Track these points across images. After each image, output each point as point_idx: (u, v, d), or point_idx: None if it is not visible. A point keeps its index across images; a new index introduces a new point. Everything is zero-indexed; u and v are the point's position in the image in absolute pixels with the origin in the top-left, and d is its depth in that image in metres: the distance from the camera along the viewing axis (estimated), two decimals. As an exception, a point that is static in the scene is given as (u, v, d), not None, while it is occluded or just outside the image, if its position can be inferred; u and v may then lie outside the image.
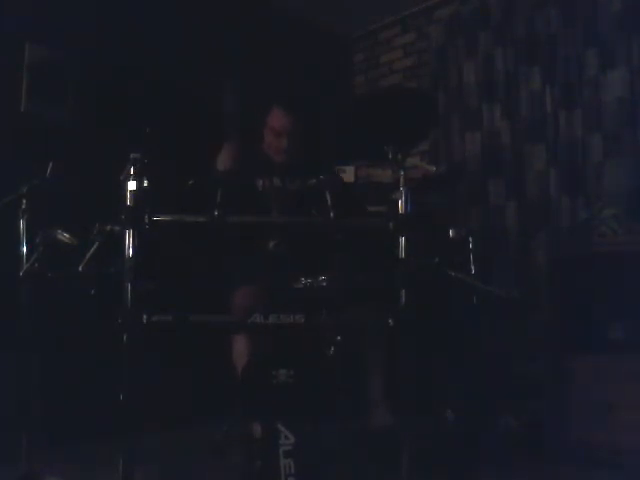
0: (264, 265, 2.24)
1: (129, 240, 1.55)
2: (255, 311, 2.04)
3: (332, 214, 1.73)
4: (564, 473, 2.27)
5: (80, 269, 1.86)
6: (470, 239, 2.62)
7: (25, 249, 2.10)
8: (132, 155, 1.57)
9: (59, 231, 2.01)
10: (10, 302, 2.06)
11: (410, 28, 4.18)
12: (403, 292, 1.65)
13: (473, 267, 2.59)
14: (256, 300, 2.18)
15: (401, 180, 1.70)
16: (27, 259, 2.07)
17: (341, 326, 2.01)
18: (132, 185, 1.56)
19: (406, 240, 1.66)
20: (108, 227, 1.85)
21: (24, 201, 2.12)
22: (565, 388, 2.55)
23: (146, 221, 1.57)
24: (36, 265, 2.01)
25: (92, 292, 1.91)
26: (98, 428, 2.33)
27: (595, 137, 3.16)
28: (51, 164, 2.13)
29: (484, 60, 3.63)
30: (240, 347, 2.25)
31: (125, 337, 1.51)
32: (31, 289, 2.05)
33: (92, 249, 1.87)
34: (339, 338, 2.03)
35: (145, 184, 1.56)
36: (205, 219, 1.65)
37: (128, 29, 3.14)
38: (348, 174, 2.91)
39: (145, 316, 1.56)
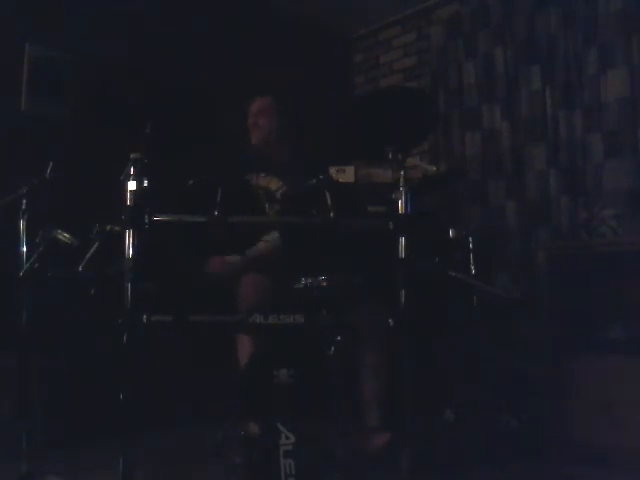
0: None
1: (129, 240, 1.55)
2: (261, 302, 2.05)
3: (332, 214, 1.73)
4: (564, 473, 2.27)
5: (80, 269, 1.86)
6: (470, 239, 2.62)
7: (25, 249, 2.10)
8: (132, 155, 1.57)
9: (59, 231, 2.01)
10: (10, 302, 2.06)
11: (410, 28, 4.18)
12: (403, 292, 1.65)
13: (473, 267, 2.59)
14: (262, 290, 2.18)
15: (401, 180, 1.70)
16: (27, 259, 2.07)
17: (341, 326, 2.01)
18: (132, 185, 1.56)
19: (406, 240, 1.66)
20: (108, 227, 1.86)
21: (24, 201, 2.12)
22: (565, 388, 2.55)
23: (146, 221, 1.57)
24: (36, 265, 2.01)
25: (92, 292, 1.91)
26: (98, 428, 2.33)
27: (595, 137, 3.16)
28: (51, 164, 2.13)
29: (484, 60, 3.63)
30: (245, 349, 2.25)
31: (125, 337, 1.51)
32: (31, 289, 2.05)
33: (92, 249, 1.87)
34: (339, 338, 2.03)
35: (145, 184, 1.56)
36: (205, 219, 1.65)
37: (128, 29, 3.14)
38: (348, 174, 2.91)
39: (145, 316, 1.56)
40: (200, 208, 1.66)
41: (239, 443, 1.81)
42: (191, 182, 1.81)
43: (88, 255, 1.87)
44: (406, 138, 1.83)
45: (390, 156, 1.75)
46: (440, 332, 2.61)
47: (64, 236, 2.00)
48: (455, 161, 3.73)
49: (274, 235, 2.13)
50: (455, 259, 2.56)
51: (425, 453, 1.79)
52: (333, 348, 2.01)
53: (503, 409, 2.66)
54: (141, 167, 1.56)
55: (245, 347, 2.24)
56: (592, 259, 2.67)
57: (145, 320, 1.55)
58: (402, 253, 1.66)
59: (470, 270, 2.58)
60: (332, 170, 2.85)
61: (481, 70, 3.64)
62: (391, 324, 1.67)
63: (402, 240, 1.66)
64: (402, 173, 1.71)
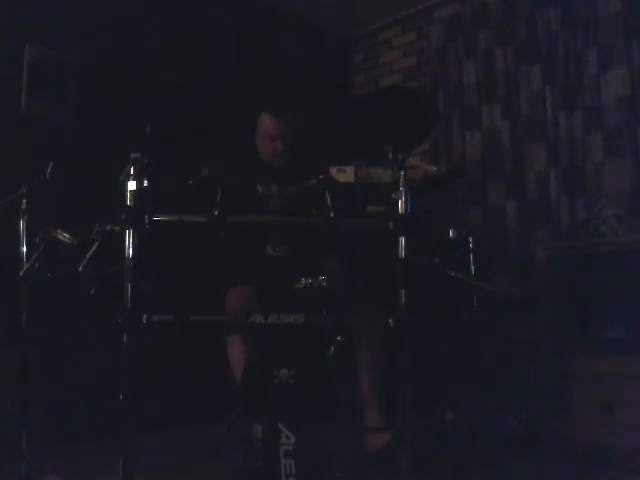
0: (263, 266, 2.25)
1: (129, 240, 1.55)
2: (250, 312, 2.05)
3: (332, 214, 1.74)
4: (564, 473, 2.27)
5: (80, 269, 1.86)
6: (470, 239, 2.62)
7: (25, 249, 2.10)
8: (132, 155, 1.57)
9: (59, 231, 2.01)
10: (10, 302, 2.05)
11: (410, 28, 4.18)
12: (403, 292, 1.64)
13: (473, 267, 2.59)
14: (250, 301, 2.18)
15: (401, 180, 1.70)
16: (27, 259, 2.07)
17: (341, 326, 2.01)
18: (132, 185, 1.55)
19: (406, 240, 1.66)
20: (108, 227, 1.86)
21: (24, 201, 2.12)
22: (565, 388, 2.55)
23: (146, 221, 1.57)
24: (36, 265, 2.01)
25: (92, 292, 1.91)
26: (98, 428, 2.33)
27: (595, 137, 3.15)
28: (51, 164, 2.13)
29: (484, 60, 3.63)
30: (236, 349, 2.25)
31: (125, 337, 1.51)
32: (31, 289, 2.05)
33: (92, 249, 1.87)
34: (339, 338, 2.03)
35: (145, 184, 1.56)
36: (205, 219, 1.65)
37: (128, 29, 3.15)
38: (348, 174, 2.91)
39: (145, 316, 1.56)
40: (200, 208, 1.66)
41: (239, 443, 1.81)
42: (191, 182, 1.81)
43: (88, 255, 1.88)
44: (406, 138, 1.83)
45: (390, 156, 1.75)
46: (440, 332, 2.61)
47: (64, 236, 2.00)
48: (455, 161, 3.73)
49: None
50: (455, 259, 2.56)
51: (425, 453, 1.79)
52: (333, 348, 2.01)
53: (503, 409, 2.66)
54: (141, 167, 1.56)
55: (236, 347, 2.24)
56: (592, 259, 2.67)
57: (145, 320, 1.55)
58: (402, 253, 1.66)
59: (470, 270, 2.58)
60: (332, 170, 2.85)
61: (481, 70, 3.64)
62: (391, 324, 1.67)
63: (402, 240, 1.66)
64: (402, 173, 1.71)
